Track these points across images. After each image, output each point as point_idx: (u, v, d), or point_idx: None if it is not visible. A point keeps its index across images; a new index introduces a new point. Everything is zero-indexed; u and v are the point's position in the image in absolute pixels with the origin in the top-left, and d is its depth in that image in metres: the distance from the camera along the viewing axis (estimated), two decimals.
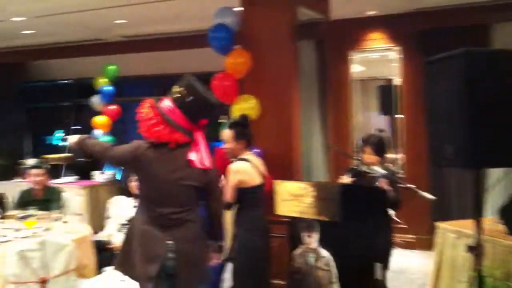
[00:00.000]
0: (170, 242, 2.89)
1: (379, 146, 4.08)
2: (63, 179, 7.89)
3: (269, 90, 4.78)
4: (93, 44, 8.75)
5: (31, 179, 5.17)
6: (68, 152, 7.67)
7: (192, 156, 2.92)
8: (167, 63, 8.25)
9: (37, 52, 9.28)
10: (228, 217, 5.71)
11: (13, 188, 8.12)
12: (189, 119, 2.87)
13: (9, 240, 3.77)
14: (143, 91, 9.64)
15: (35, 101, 10.76)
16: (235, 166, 3.66)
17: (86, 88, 8.80)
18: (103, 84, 8.30)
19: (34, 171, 5.17)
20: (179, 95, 2.87)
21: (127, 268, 3.02)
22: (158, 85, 9.59)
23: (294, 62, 4.81)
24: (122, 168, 3.35)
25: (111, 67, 8.31)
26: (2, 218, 4.64)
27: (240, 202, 3.68)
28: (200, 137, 2.96)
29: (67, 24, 7.56)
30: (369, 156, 4.05)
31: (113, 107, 8.17)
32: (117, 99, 8.24)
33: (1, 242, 3.72)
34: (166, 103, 2.88)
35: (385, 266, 3.98)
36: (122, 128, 8.50)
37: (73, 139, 3.16)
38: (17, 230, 4.04)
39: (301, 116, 4.96)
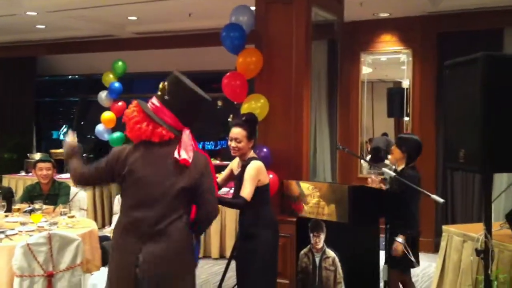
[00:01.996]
0: (142, 256, 2.55)
1: (413, 148, 4.08)
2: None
3: (280, 89, 4.77)
4: (103, 40, 8.79)
5: (38, 173, 5.16)
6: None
7: (178, 153, 2.63)
8: (177, 60, 8.27)
9: (49, 47, 9.32)
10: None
11: (20, 182, 8.21)
12: (175, 115, 2.67)
13: (16, 234, 3.77)
14: (151, 88, 9.65)
15: (44, 95, 10.81)
16: (257, 165, 3.61)
17: (95, 84, 8.82)
18: (112, 80, 8.31)
19: (41, 165, 5.16)
20: (163, 91, 2.69)
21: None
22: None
23: (307, 62, 4.80)
24: (100, 183, 3.02)
25: (120, 64, 8.31)
26: (9, 211, 4.64)
27: (257, 201, 3.58)
28: (187, 134, 2.70)
29: (80, 19, 7.59)
30: (396, 156, 4.09)
31: (120, 103, 8.18)
32: (125, 95, 8.24)
33: (8, 235, 3.72)
34: (152, 100, 2.71)
35: (403, 269, 3.98)
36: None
37: (66, 147, 3.05)
38: (23, 224, 4.03)
39: (311, 116, 4.94)
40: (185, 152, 2.63)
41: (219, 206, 3.07)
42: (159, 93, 2.71)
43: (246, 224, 3.66)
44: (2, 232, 3.76)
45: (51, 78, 10.71)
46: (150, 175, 2.63)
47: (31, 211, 4.44)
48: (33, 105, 10.60)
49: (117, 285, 2.63)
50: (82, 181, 2.88)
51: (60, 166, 7.49)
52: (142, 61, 8.75)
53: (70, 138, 3.11)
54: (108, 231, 5.15)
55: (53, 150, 8.95)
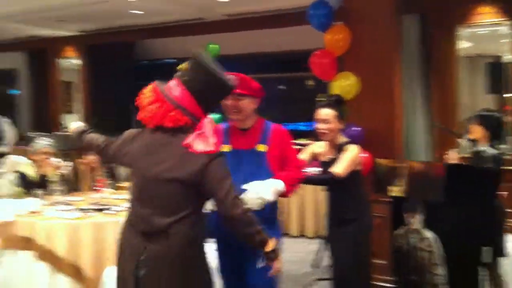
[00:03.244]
0: (145, 255, 2.34)
1: (495, 126, 3.90)
2: None
3: (369, 66, 4.69)
4: (195, 23, 9.01)
5: None
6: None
7: (190, 139, 2.33)
8: (267, 41, 8.32)
9: (144, 32, 9.72)
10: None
11: None
12: (195, 100, 2.37)
13: (121, 210, 4.02)
14: (242, 69, 9.80)
15: (143, 79, 11.32)
16: (357, 150, 3.47)
17: None
18: None
19: None
20: (184, 73, 2.42)
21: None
22: (258, 63, 9.74)
23: (396, 38, 4.69)
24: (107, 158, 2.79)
25: (213, 46, 8.53)
26: (117, 189, 4.98)
27: (353, 184, 3.46)
28: (207, 120, 2.40)
29: (174, 3, 7.83)
30: (477, 134, 3.91)
31: None
32: None
33: (114, 211, 4.00)
34: (171, 83, 2.43)
35: (498, 252, 3.83)
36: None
37: (75, 125, 3.02)
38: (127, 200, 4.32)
39: (403, 93, 4.83)
40: (199, 141, 2.32)
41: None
42: (179, 74, 2.45)
43: (340, 208, 3.55)
44: (109, 208, 4.06)
45: (149, 62, 11.18)
46: (147, 168, 2.37)
47: None
48: (133, 89, 11.14)
49: (119, 282, 2.49)
50: (98, 152, 2.83)
51: None
52: (234, 43, 8.90)
53: (74, 124, 3.06)
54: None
55: None
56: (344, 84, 4.64)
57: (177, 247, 2.32)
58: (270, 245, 2.47)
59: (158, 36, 9.65)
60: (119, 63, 10.71)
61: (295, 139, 6.76)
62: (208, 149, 2.32)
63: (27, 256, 3.77)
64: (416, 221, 3.78)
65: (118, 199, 4.42)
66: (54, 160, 4.99)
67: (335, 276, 3.57)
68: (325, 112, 3.47)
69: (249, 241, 2.48)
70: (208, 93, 2.40)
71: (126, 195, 4.47)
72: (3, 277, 3.80)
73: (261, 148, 2.92)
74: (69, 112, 11.66)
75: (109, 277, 3.55)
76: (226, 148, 2.93)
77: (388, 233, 4.08)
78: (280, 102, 10.06)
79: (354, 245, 3.46)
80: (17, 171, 4.82)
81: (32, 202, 4.14)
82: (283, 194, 2.87)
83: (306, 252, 5.81)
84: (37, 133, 10.06)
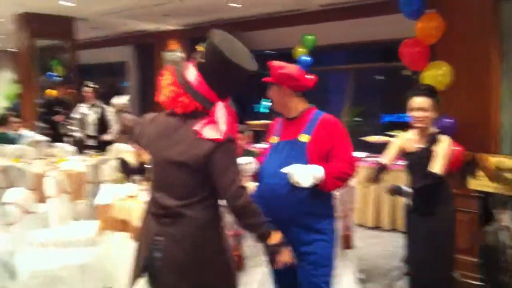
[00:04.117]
0: (159, 238, 2.35)
1: None
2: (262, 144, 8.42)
3: (464, 55, 4.48)
4: (292, 14, 9.06)
5: None
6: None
7: (199, 125, 2.27)
8: (362, 30, 8.18)
9: (242, 24, 9.92)
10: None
11: None
12: (209, 84, 2.29)
13: None
14: (339, 60, 9.73)
15: None
16: (450, 142, 3.39)
17: (285, 58, 9.18)
18: (301, 54, 8.59)
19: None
20: (199, 53, 2.32)
21: None
22: (354, 53, 9.60)
23: (494, 25, 4.42)
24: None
25: (310, 37, 8.55)
26: None
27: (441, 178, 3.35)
28: (220, 106, 2.30)
29: None
30: None
31: (309, 76, 8.39)
32: (314, 68, 8.45)
33: None
34: (188, 66, 2.36)
35: None
36: (319, 98, 8.74)
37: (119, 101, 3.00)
38: None
39: (502, 83, 4.56)
40: (208, 127, 2.26)
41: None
42: (195, 55, 2.35)
43: (423, 200, 3.43)
44: None
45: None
46: (160, 151, 2.36)
47: None
48: None
49: (135, 264, 2.48)
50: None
51: (257, 136, 8.00)
52: (330, 33, 8.84)
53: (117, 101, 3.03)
54: None
55: (249, 122, 9.61)
56: (436, 74, 4.47)
57: (189, 231, 2.30)
58: (274, 239, 2.44)
59: (256, 28, 9.81)
60: None
61: (393, 130, 6.66)
62: (216, 137, 2.24)
63: (123, 236, 4.06)
64: (506, 217, 3.59)
65: None
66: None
67: (412, 270, 3.51)
68: (421, 100, 3.41)
69: (251, 232, 2.48)
70: (221, 77, 2.29)
71: None
72: (101, 255, 4.12)
73: (303, 138, 2.83)
74: None
75: None
76: (274, 139, 2.94)
77: (477, 229, 3.91)
78: (378, 93, 9.86)
79: (434, 239, 3.37)
80: (119, 158, 5.16)
81: (130, 187, 4.43)
82: (323, 186, 2.74)
83: (396, 246, 5.70)
84: None
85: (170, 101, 2.32)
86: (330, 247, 2.85)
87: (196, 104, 2.30)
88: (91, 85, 7.55)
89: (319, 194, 2.78)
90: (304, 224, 2.80)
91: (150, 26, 11.13)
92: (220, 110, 2.29)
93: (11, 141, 7.35)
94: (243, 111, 11.91)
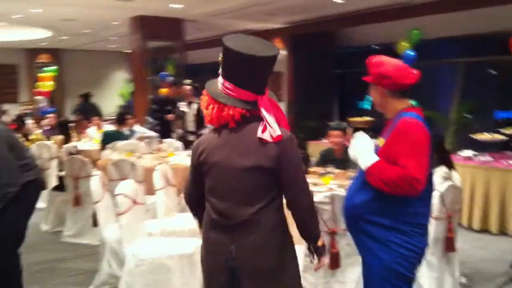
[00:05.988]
0: (233, 250, 2.33)
1: None
2: None
3: None
4: (397, 8, 8.82)
5: (330, 139, 5.63)
6: None
7: (261, 131, 2.28)
8: (473, 22, 7.78)
9: (347, 20, 9.82)
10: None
11: (319, 148, 9.01)
12: (238, 86, 2.30)
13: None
14: (445, 53, 9.31)
15: (344, 67, 11.47)
16: None
17: (391, 53, 8.96)
18: (406, 47, 8.34)
19: (334, 132, 5.59)
20: (220, 63, 2.34)
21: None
22: (463, 46, 9.14)
23: None
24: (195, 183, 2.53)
25: (415, 31, 8.28)
26: (306, 173, 5.22)
27: None
28: (263, 104, 2.32)
29: None
30: None
31: (414, 71, 8.13)
32: (418, 62, 8.17)
33: None
34: (218, 80, 2.39)
35: None
36: (426, 93, 8.44)
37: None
38: (315, 184, 4.51)
39: None
40: (268, 129, 2.27)
41: None
42: (220, 68, 2.36)
43: None
44: None
45: (349, 50, 11.28)
46: (224, 160, 2.33)
47: (323, 174, 4.91)
48: (333, 77, 11.42)
49: (209, 277, 2.45)
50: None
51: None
52: (437, 26, 8.50)
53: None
54: None
55: (351, 119, 9.50)
56: None
57: (264, 233, 2.31)
58: (321, 241, 2.46)
59: (359, 23, 9.68)
60: (320, 52, 11.03)
61: (508, 127, 6.25)
62: (276, 135, 2.26)
63: None
64: None
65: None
66: None
67: None
68: None
69: (308, 231, 2.43)
70: (244, 73, 2.29)
71: (314, 179, 4.73)
72: None
73: (381, 142, 2.70)
74: (279, 100, 12.39)
75: None
76: (380, 141, 2.80)
77: None
78: (491, 88, 9.31)
79: None
80: None
81: None
82: (367, 178, 2.61)
83: (505, 251, 5.39)
84: None
85: (217, 118, 2.34)
86: (385, 265, 2.63)
87: (240, 111, 2.30)
88: (189, 83, 7.90)
89: (387, 202, 2.57)
90: (363, 230, 2.69)
91: (255, 25, 11.34)
92: (266, 107, 2.31)
93: (125, 138, 7.85)
94: (345, 107, 11.83)
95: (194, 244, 4.04)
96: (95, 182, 4.39)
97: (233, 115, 2.30)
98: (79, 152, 7.51)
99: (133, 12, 9.86)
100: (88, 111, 11.19)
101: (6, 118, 9.78)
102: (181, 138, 8.17)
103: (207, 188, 2.41)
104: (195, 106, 7.69)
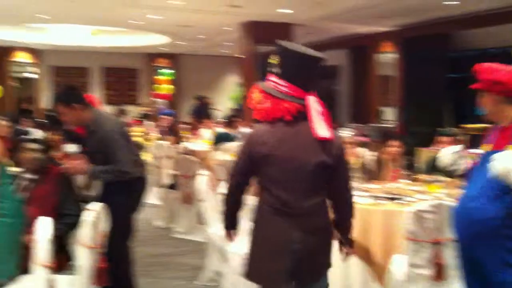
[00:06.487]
0: (297, 233, 2.57)
1: None
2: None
3: None
4: None
5: (440, 146, 5.43)
6: None
7: (315, 131, 2.51)
8: None
9: (459, 22, 9.41)
10: None
11: (429, 155, 8.68)
12: (294, 84, 2.52)
13: (412, 201, 4.13)
14: None
15: (458, 71, 10.97)
16: None
17: (507, 57, 8.45)
18: None
19: (443, 138, 5.40)
20: (275, 64, 2.59)
21: (253, 272, 2.70)
22: None
23: None
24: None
25: None
26: (413, 180, 5.08)
27: None
28: (311, 102, 2.54)
29: None
30: None
31: None
32: None
33: (405, 201, 4.13)
34: (270, 78, 2.61)
35: None
36: None
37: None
38: (420, 192, 4.39)
39: None
40: (320, 127, 2.51)
41: None
42: (272, 69, 2.60)
43: None
44: (400, 198, 4.21)
45: (465, 53, 10.77)
46: (290, 154, 2.54)
47: (431, 182, 4.76)
48: (446, 81, 10.94)
49: (272, 258, 2.61)
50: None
51: (474, 140, 7.53)
52: None
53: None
54: None
55: (465, 125, 9.07)
56: None
57: (322, 222, 2.66)
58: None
59: (474, 26, 9.24)
60: (432, 55, 10.64)
61: None
62: (330, 134, 2.53)
63: None
64: None
65: (412, 190, 4.53)
66: (358, 150, 5.36)
67: None
68: None
69: (347, 225, 2.76)
70: (299, 72, 2.54)
71: (420, 187, 4.60)
72: None
73: (486, 148, 2.64)
74: (386, 105, 12.12)
75: (397, 264, 3.69)
76: (486, 147, 2.72)
77: None
78: None
79: None
80: None
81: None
82: None
83: None
84: (355, 124, 10.84)
85: (271, 113, 2.55)
86: None
87: (296, 105, 2.52)
88: None
89: None
90: (503, 245, 2.57)
91: (364, 29, 11.21)
92: (314, 106, 2.54)
93: (231, 139, 8.12)
94: (460, 113, 11.29)
95: None
96: (202, 181, 4.60)
97: (289, 108, 2.52)
98: (191, 152, 7.90)
99: (244, 17, 10.16)
100: (202, 113, 11.69)
101: (125, 118, 10.49)
102: None
103: (268, 178, 2.61)
104: None
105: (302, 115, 2.53)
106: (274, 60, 2.61)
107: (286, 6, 9.00)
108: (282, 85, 2.54)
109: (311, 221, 2.60)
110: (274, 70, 2.61)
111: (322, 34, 12.12)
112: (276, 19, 10.20)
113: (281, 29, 10.57)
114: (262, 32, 10.40)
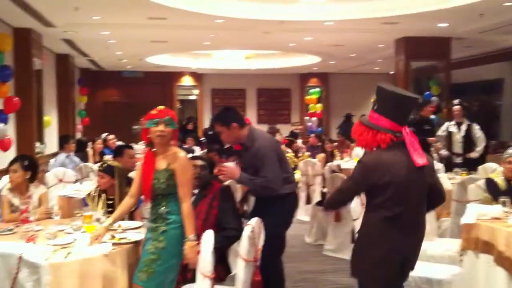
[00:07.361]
0: (407, 243, 3.06)
1: None
2: None
3: None
4: None
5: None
6: None
7: (414, 159, 2.98)
8: None
9: None
10: None
11: None
12: (390, 119, 3.00)
13: None
14: None
15: None
16: None
17: None
18: None
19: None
20: (374, 103, 3.08)
21: (363, 271, 3.13)
22: None
23: None
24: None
25: None
26: None
27: None
28: (405, 133, 3.03)
29: None
30: None
31: None
32: None
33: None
34: (370, 114, 3.10)
35: None
36: None
37: None
38: None
39: None
40: (418, 155, 2.99)
41: None
42: (373, 106, 3.09)
43: None
44: None
45: None
46: (412, 178, 2.99)
47: None
48: None
49: (384, 264, 3.04)
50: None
51: None
52: None
53: None
54: None
55: None
56: None
57: (424, 230, 3.17)
58: None
59: None
60: None
61: None
62: (425, 161, 3.03)
63: (487, 259, 3.96)
64: None
65: None
66: None
67: None
68: None
69: None
70: (394, 109, 3.03)
71: None
72: (464, 274, 4.10)
73: None
74: None
75: None
76: None
77: None
78: None
79: None
80: (487, 178, 5.00)
81: (495, 209, 4.26)
82: None
83: None
84: None
85: (370, 143, 3.07)
86: None
87: (390, 136, 3.01)
88: (459, 103, 7.71)
89: None
90: None
91: None
92: (410, 136, 3.05)
93: None
94: None
95: (451, 271, 3.92)
96: (355, 200, 4.57)
97: (384, 139, 3.01)
98: (341, 170, 7.89)
99: (399, 33, 9.96)
100: (350, 131, 11.60)
101: (278, 137, 10.81)
102: (445, 160, 7.94)
103: (386, 199, 3.01)
104: (464, 127, 7.59)
105: (395, 144, 3.02)
106: (373, 99, 3.14)
107: (445, 19, 8.65)
108: (378, 119, 3.04)
109: (420, 231, 3.13)
110: (374, 106, 3.10)
111: (482, 46, 11.43)
112: (432, 34, 9.83)
113: (437, 44, 10.19)
114: (417, 47, 10.14)
